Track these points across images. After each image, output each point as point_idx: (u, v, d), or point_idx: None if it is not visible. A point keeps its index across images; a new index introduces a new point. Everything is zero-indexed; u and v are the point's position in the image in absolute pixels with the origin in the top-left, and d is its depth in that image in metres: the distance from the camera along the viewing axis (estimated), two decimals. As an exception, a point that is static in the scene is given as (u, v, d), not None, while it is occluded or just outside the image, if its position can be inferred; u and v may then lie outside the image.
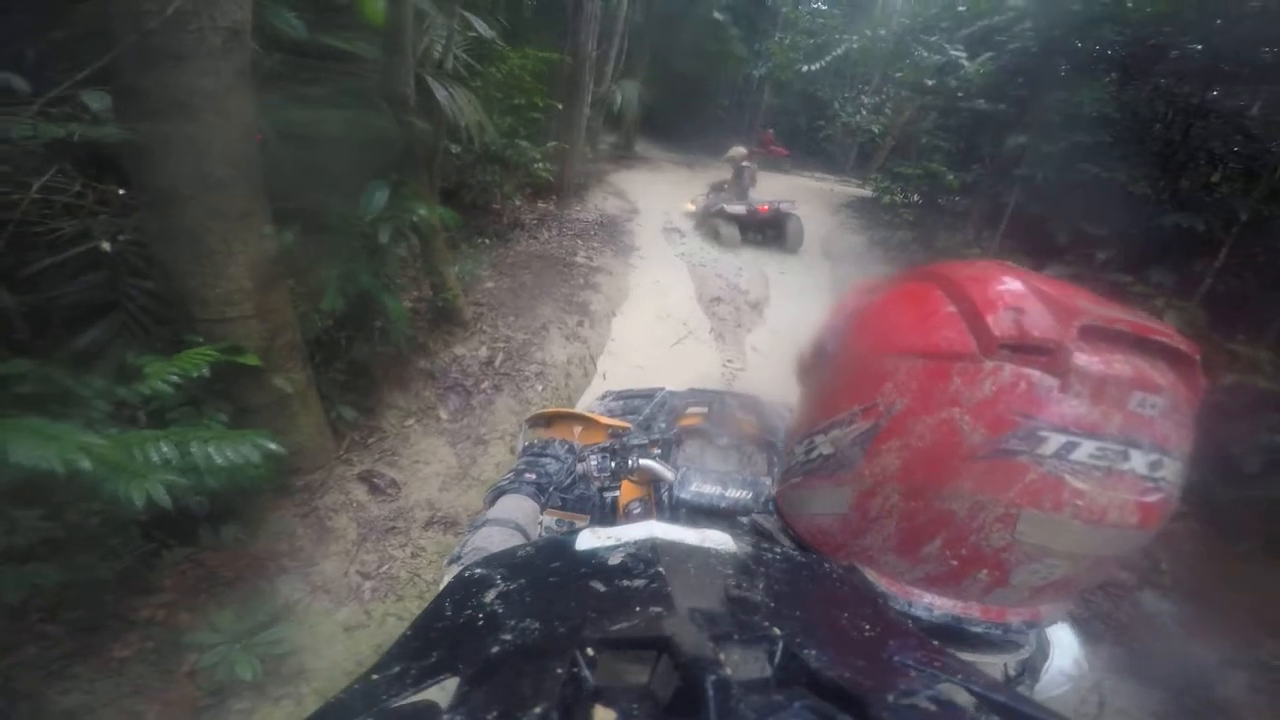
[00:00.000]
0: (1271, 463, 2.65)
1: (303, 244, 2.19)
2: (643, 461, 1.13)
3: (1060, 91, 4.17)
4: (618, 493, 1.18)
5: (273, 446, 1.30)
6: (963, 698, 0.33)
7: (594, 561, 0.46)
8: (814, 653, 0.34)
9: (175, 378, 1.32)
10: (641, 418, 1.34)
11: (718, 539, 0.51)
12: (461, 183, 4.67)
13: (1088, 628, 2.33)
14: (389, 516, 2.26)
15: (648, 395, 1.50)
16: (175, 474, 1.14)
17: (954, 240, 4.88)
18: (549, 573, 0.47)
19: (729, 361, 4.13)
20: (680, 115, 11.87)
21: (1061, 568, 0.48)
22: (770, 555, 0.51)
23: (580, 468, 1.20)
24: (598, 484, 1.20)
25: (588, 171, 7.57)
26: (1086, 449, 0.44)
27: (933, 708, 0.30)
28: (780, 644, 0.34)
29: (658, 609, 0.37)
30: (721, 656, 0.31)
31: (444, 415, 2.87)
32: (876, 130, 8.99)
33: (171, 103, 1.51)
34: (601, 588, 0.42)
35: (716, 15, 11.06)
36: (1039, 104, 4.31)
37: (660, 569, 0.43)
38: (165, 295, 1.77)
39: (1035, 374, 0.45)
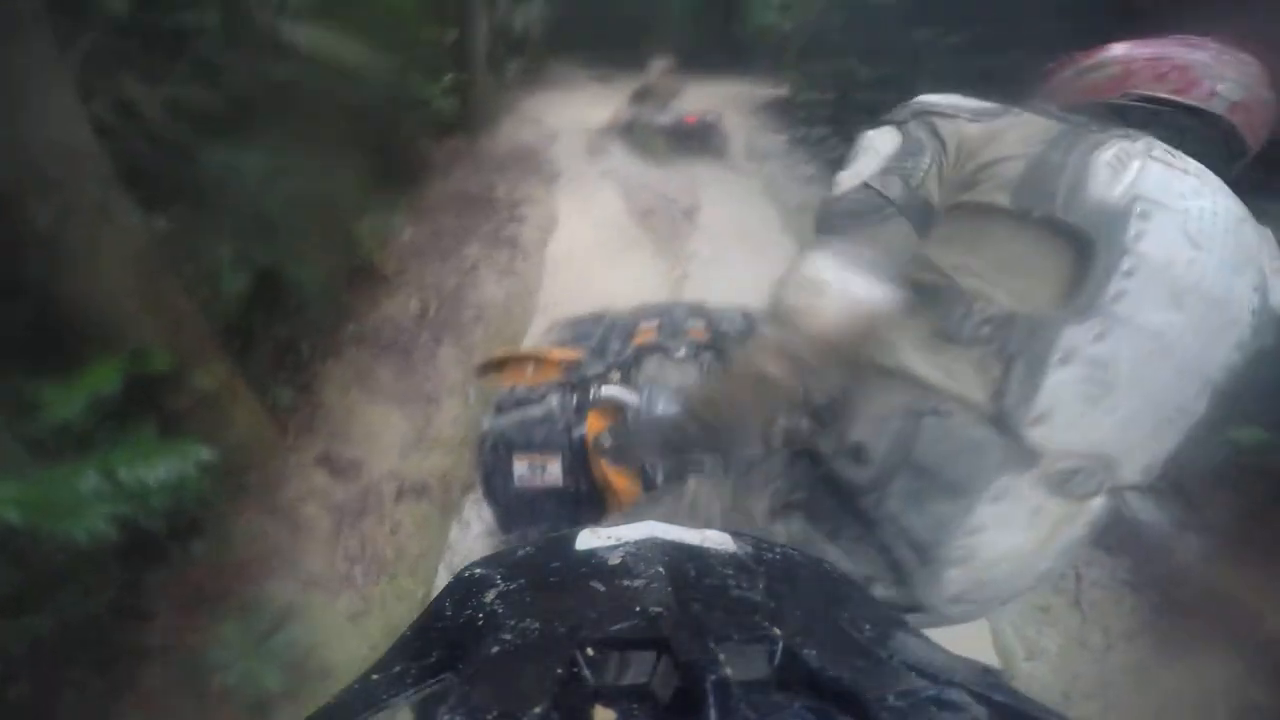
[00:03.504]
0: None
1: (182, 226, 1.99)
2: (604, 391, 1.13)
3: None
4: (584, 429, 1.17)
5: (204, 455, 1.25)
6: (963, 698, 0.32)
7: (594, 561, 0.45)
8: (814, 653, 0.33)
9: (84, 401, 1.23)
10: (594, 343, 1.32)
11: (718, 539, 0.50)
12: (354, 130, 4.27)
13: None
14: (357, 497, 2.21)
15: (596, 319, 1.46)
16: (113, 503, 1.09)
17: (870, 133, 4.92)
18: (549, 573, 0.46)
19: (670, 271, 4.14)
20: (590, 31, 11.01)
21: None
22: (770, 555, 0.51)
23: (540, 409, 1.19)
24: (562, 423, 1.19)
25: (497, 101, 7.06)
26: None
27: (933, 708, 0.30)
28: (780, 644, 0.33)
29: (658, 609, 0.36)
30: (721, 656, 0.30)
31: (386, 379, 2.78)
32: (788, 28, 8.68)
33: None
34: (601, 588, 0.41)
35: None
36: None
37: (660, 569, 0.43)
38: (40, 311, 1.59)
39: None
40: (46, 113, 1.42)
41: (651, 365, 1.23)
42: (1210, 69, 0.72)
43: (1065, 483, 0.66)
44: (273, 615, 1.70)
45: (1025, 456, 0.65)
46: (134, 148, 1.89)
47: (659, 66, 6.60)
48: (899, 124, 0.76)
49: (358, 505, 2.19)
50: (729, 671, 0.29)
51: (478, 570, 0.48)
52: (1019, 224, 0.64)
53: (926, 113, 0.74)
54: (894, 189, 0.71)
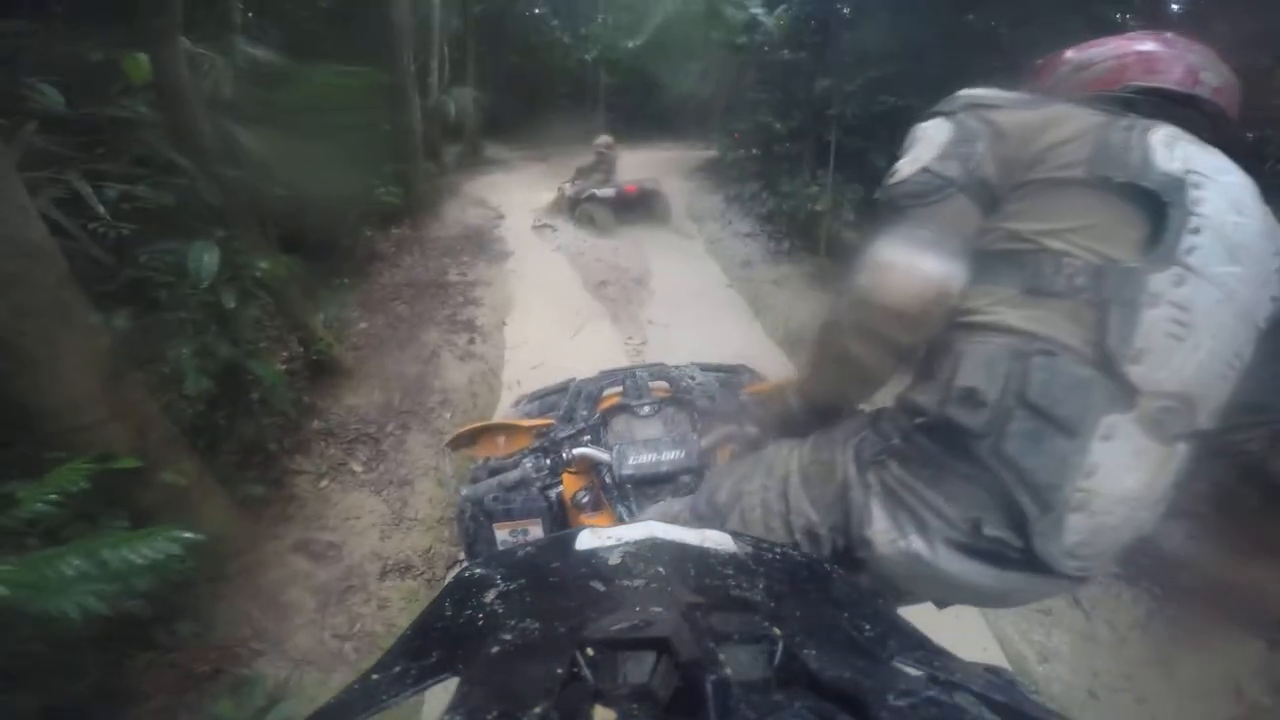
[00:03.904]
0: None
1: (142, 326, 1.98)
2: (576, 450, 1.17)
3: (847, 33, 4.68)
4: (560, 488, 1.21)
5: (189, 535, 1.23)
6: (963, 698, 0.32)
7: (594, 561, 0.45)
8: (814, 653, 0.33)
9: (54, 496, 1.22)
10: (562, 411, 1.37)
11: (717, 539, 0.50)
12: (299, 224, 4.32)
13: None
14: (340, 577, 2.17)
15: (561, 389, 1.53)
16: (98, 583, 1.08)
17: (795, 183, 5.31)
18: (549, 572, 0.46)
19: (629, 339, 4.24)
20: (522, 113, 11.70)
21: None
22: (770, 555, 0.51)
23: (516, 474, 1.22)
24: (538, 484, 1.23)
25: (438, 187, 7.28)
26: None
27: (933, 708, 0.30)
28: (780, 644, 0.34)
29: (658, 609, 0.36)
30: (721, 656, 0.31)
31: (357, 468, 2.72)
32: (708, 94, 9.40)
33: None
34: (601, 587, 0.41)
35: (537, 9, 10.95)
36: (833, 47, 4.80)
37: (660, 569, 0.43)
38: (7, 416, 1.54)
39: None
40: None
41: (619, 424, 1.29)
42: (1189, 59, 0.82)
43: (1160, 423, 0.70)
44: (266, 692, 1.65)
45: (1127, 395, 0.69)
46: (84, 245, 1.88)
47: (602, 141, 7.01)
48: (949, 115, 0.82)
49: (341, 586, 2.14)
50: (729, 671, 0.29)
51: (478, 570, 0.48)
52: (1093, 191, 0.72)
53: (976, 105, 0.80)
54: (953, 170, 0.77)
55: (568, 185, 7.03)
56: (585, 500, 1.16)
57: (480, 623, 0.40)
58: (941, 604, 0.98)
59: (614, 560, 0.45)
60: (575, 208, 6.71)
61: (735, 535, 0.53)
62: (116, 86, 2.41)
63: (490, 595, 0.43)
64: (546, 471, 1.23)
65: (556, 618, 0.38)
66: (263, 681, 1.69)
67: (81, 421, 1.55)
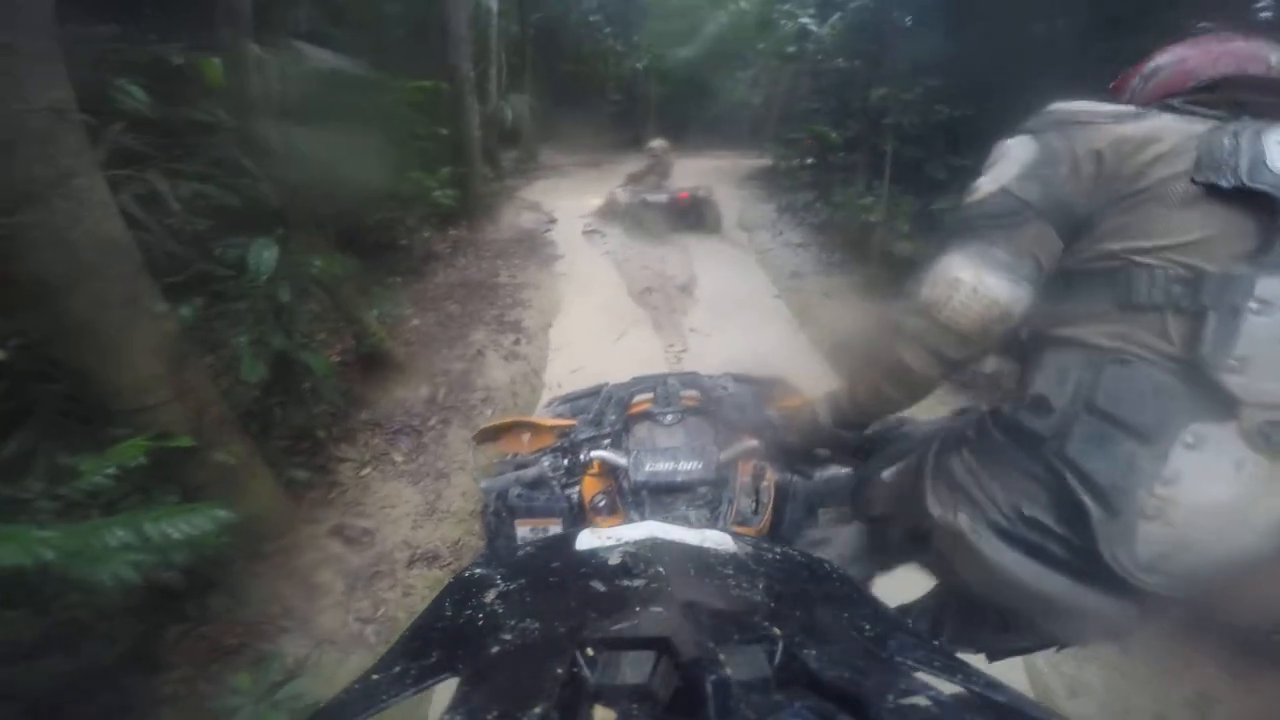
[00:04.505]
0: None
1: (205, 317, 2.13)
2: (594, 453, 1.18)
3: (904, 42, 4.54)
4: (580, 489, 1.21)
5: (223, 514, 1.32)
6: (963, 697, 0.32)
7: (594, 561, 0.45)
8: (814, 653, 0.33)
9: (113, 470, 1.33)
10: (591, 415, 1.38)
11: (717, 539, 0.50)
12: (359, 225, 4.54)
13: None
14: (370, 563, 2.26)
15: (593, 393, 1.53)
16: (136, 554, 1.16)
17: (849, 193, 5.18)
18: (549, 573, 0.47)
19: (670, 346, 4.24)
20: (577, 119, 11.99)
21: None
22: (770, 555, 0.51)
23: (534, 471, 1.24)
24: (556, 483, 1.25)
25: (494, 191, 7.50)
26: None
27: (933, 708, 0.29)
28: (780, 644, 0.34)
29: (658, 609, 0.36)
30: (721, 656, 0.31)
31: (399, 458, 2.83)
32: (759, 102, 9.33)
33: (13, 194, 1.41)
34: (601, 587, 0.42)
35: (591, 17, 11.19)
36: (889, 56, 4.67)
37: (660, 569, 0.43)
38: (78, 394, 1.68)
39: None
40: (82, 205, 1.53)
41: (642, 430, 1.30)
42: (1248, 47, 0.80)
43: (1268, 436, 0.66)
44: (284, 668, 1.73)
45: (1224, 405, 0.66)
46: (158, 239, 2.04)
47: (658, 147, 7.04)
48: (1035, 133, 0.79)
49: (370, 571, 2.23)
50: (729, 671, 0.29)
51: (478, 570, 0.48)
52: (1196, 203, 0.69)
53: (1065, 123, 0.77)
54: (1033, 194, 0.75)
55: (620, 190, 7.08)
56: (602, 504, 1.17)
57: (480, 623, 0.40)
58: (1003, 642, 0.98)
59: (614, 560, 0.45)
60: (627, 213, 6.76)
61: (735, 535, 0.53)
62: (194, 90, 2.61)
63: (490, 595, 0.43)
64: (563, 471, 1.24)
65: (556, 618, 0.38)
66: (282, 658, 1.78)
67: (146, 403, 1.68)
